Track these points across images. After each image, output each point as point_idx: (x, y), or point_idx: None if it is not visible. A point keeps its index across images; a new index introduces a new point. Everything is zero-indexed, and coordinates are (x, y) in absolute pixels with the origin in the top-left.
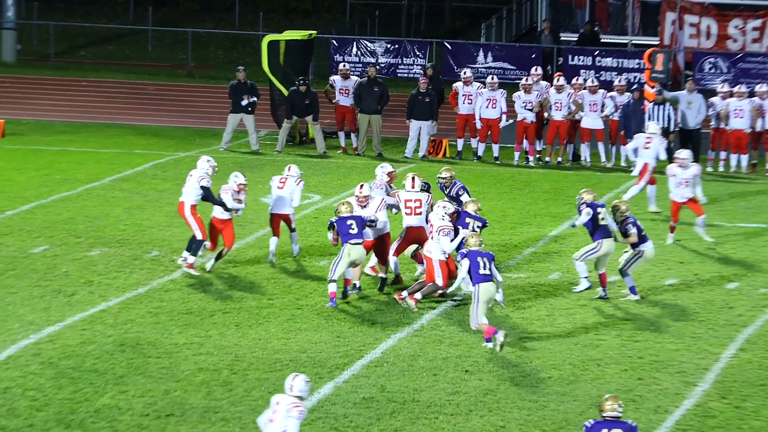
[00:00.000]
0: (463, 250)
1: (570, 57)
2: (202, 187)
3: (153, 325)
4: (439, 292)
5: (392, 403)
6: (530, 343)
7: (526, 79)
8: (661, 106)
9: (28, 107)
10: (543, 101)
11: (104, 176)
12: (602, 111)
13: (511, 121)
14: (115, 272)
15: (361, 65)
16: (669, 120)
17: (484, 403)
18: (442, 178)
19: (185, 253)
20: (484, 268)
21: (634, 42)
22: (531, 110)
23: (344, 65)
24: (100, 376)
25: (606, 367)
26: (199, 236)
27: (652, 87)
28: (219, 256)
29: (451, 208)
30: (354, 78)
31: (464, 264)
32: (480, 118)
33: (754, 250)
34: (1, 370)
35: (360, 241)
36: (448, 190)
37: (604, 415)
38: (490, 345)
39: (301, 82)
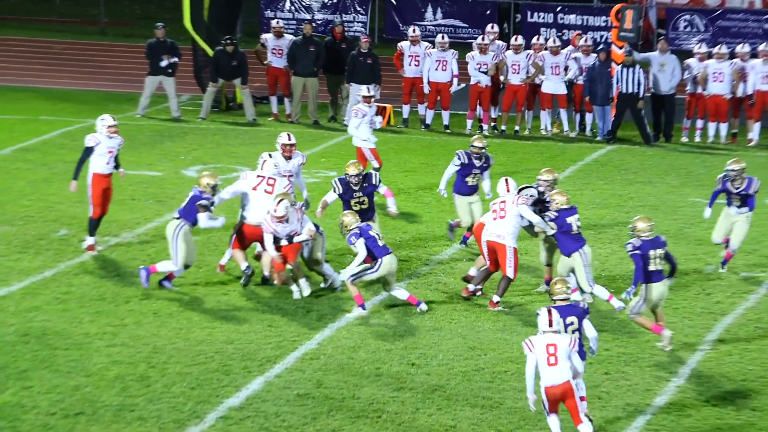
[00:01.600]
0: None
1: (529, 14)
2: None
3: (61, 313)
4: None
5: (330, 401)
6: (483, 334)
7: (482, 39)
8: (630, 69)
9: None
10: (499, 63)
11: (5, 146)
12: (565, 74)
13: (463, 85)
14: (18, 253)
15: (295, 22)
16: (639, 85)
17: (433, 401)
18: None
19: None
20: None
21: None
22: (486, 73)
23: (277, 22)
24: (1, 370)
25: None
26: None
27: (620, 47)
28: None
29: None
30: (288, 37)
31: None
32: (428, 82)
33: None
34: None
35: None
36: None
37: (555, 298)
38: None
39: (228, 41)
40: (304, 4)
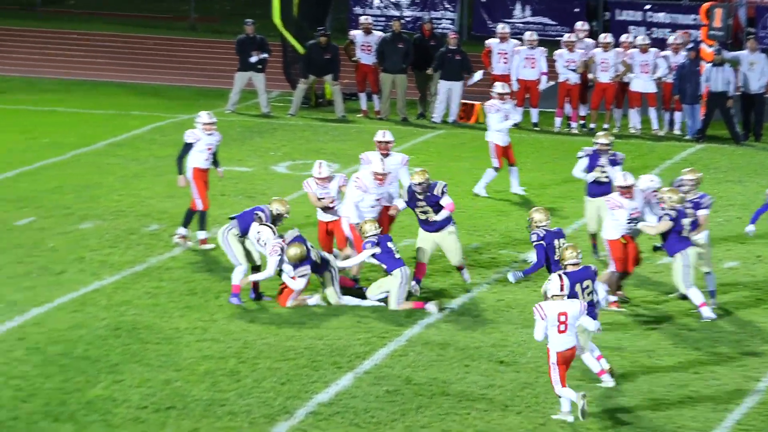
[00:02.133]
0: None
1: (618, 11)
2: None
3: (151, 308)
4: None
5: (419, 397)
6: None
7: (569, 36)
8: (719, 68)
9: (12, 62)
10: (588, 61)
11: (97, 140)
12: (654, 72)
13: (551, 82)
14: (109, 248)
15: (384, 19)
16: (728, 83)
17: (522, 398)
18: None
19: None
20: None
21: None
22: (574, 71)
23: (366, 19)
24: (93, 363)
25: (658, 359)
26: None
27: (710, 46)
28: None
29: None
30: (377, 33)
31: None
32: (517, 80)
33: None
34: None
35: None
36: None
37: (566, 263)
38: None
39: (321, 33)
40: (392, 1)
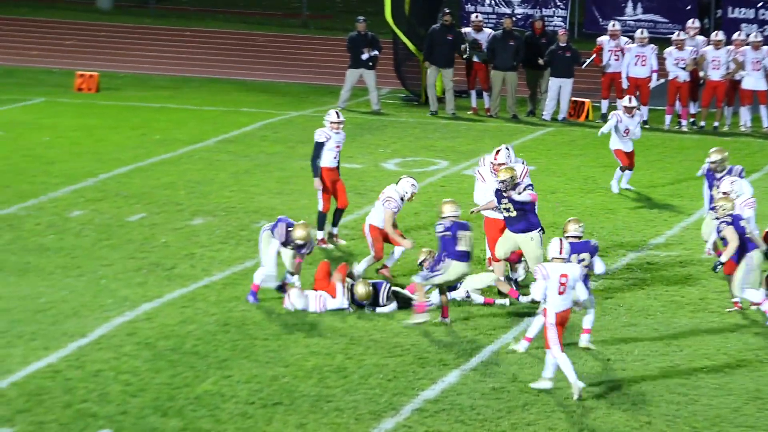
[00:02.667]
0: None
1: (730, 9)
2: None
3: (260, 304)
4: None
5: (525, 394)
6: (680, 330)
7: (678, 34)
8: None
9: (125, 59)
10: (698, 59)
11: (208, 137)
12: (766, 71)
13: (662, 80)
14: (220, 244)
15: (495, 16)
16: None
17: (628, 396)
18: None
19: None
20: None
21: None
22: (684, 68)
23: (476, 16)
24: (202, 359)
25: (765, 357)
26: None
27: None
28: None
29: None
30: (487, 31)
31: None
32: (627, 77)
33: None
34: (92, 350)
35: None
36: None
37: (567, 235)
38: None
39: (445, 12)
40: None
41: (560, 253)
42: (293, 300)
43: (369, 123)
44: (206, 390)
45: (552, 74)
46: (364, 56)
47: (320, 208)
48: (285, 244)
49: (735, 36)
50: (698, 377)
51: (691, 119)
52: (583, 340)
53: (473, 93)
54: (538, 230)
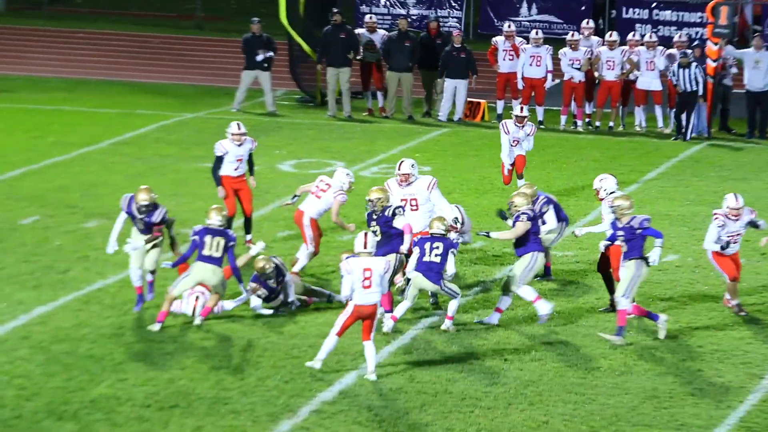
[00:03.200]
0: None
1: (624, 9)
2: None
3: (156, 307)
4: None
5: (422, 395)
6: (577, 329)
7: (573, 34)
8: (687, 69)
9: (18, 61)
10: (593, 59)
11: (102, 139)
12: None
13: (557, 81)
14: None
15: (390, 17)
16: (697, 83)
17: (525, 396)
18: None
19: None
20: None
21: None
22: (579, 69)
23: (370, 17)
24: (97, 362)
25: (662, 357)
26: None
27: (716, 44)
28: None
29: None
30: (381, 32)
31: None
32: (522, 78)
33: None
34: None
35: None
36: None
37: (432, 232)
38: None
39: (335, 12)
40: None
41: (364, 247)
42: (182, 307)
43: (264, 124)
44: (102, 393)
45: (447, 75)
46: (259, 57)
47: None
48: (132, 217)
49: (629, 36)
50: (595, 377)
51: (587, 119)
52: (446, 324)
53: (369, 94)
54: (396, 254)
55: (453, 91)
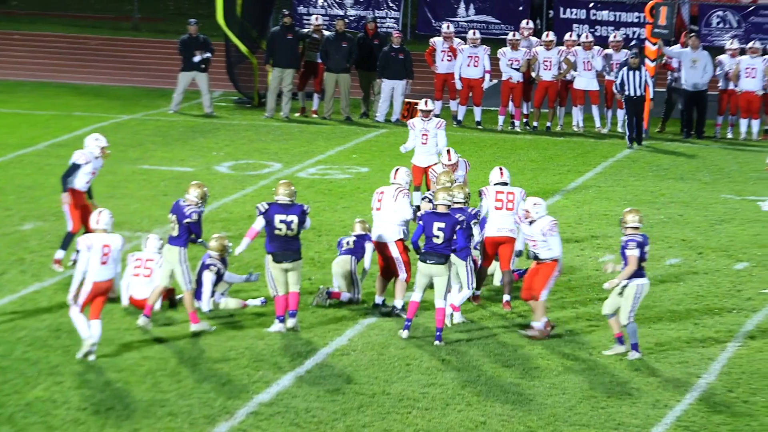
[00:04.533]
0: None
1: (561, 10)
2: None
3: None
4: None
5: (360, 396)
6: (514, 331)
7: (514, 34)
8: (636, 72)
9: None
10: (531, 59)
11: (39, 141)
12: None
13: (495, 81)
14: (50, 249)
15: (327, 18)
16: (644, 87)
17: (463, 397)
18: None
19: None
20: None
21: None
22: (517, 69)
23: (317, 18)
24: (33, 365)
25: (599, 356)
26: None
27: (654, 44)
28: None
29: None
30: (327, 33)
31: None
32: (460, 78)
33: (766, 227)
34: None
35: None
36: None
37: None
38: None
39: (285, 14)
40: (336, 0)
41: (97, 224)
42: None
43: (201, 126)
44: (37, 396)
45: (385, 76)
46: (196, 59)
47: (69, 228)
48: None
49: (566, 36)
50: (533, 377)
51: (524, 120)
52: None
53: (303, 94)
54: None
55: (390, 91)
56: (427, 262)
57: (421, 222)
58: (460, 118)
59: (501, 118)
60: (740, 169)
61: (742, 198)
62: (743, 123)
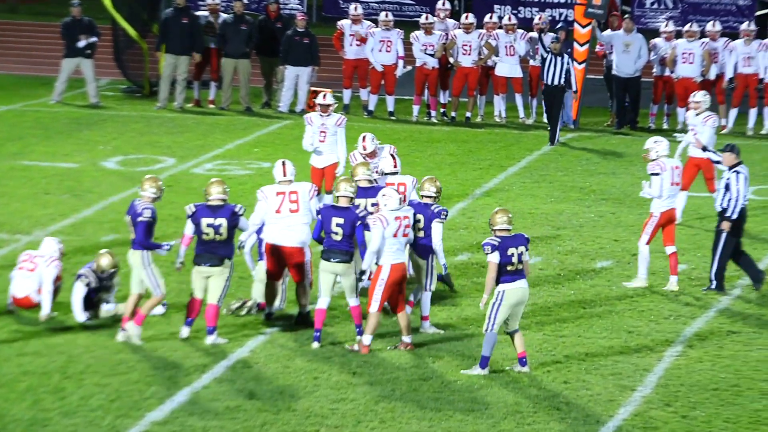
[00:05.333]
0: None
1: None
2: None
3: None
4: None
5: (263, 413)
6: (430, 341)
7: (427, 17)
8: (558, 58)
9: None
10: (448, 44)
11: None
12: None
13: (409, 67)
14: None
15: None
16: (568, 75)
17: (376, 413)
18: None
19: None
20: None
21: None
22: (432, 55)
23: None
24: None
25: (522, 369)
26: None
27: (584, 26)
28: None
29: None
30: (224, 15)
31: None
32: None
33: (705, 225)
34: None
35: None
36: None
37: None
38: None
39: None
40: None
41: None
42: None
43: (87, 117)
44: None
45: (289, 62)
46: (81, 44)
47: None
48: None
49: (487, 18)
50: (452, 391)
51: (442, 109)
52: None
53: (198, 84)
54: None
55: (295, 79)
56: (331, 260)
57: (320, 216)
58: (371, 108)
59: (416, 108)
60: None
61: None
62: (680, 112)
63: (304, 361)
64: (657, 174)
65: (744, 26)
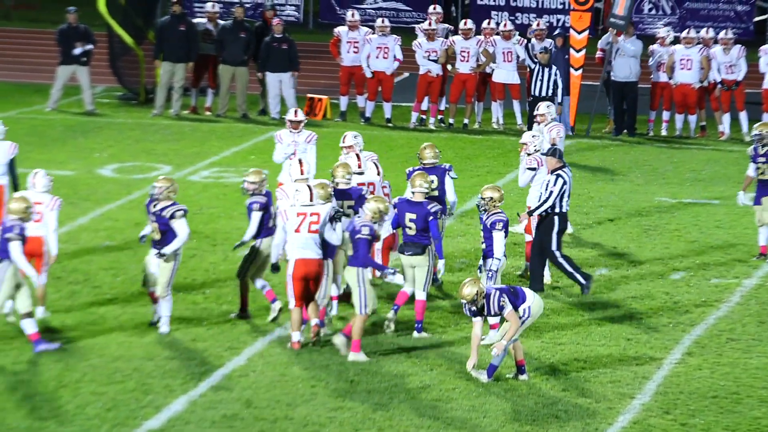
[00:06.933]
0: None
1: None
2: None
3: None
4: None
5: (260, 422)
6: (429, 349)
7: (429, 23)
8: (546, 69)
9: None
10: (448, 50)
11: None
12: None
13: (406, 74)
14: None
15: (222, 5)
16: (555, 87)
17: (374, 421)
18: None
19: None
20: None
21: None
22: (435, 61)
23: (213, 6)
24: None
25: (522, 376)
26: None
27: (580, 32)
28: None
29: None
30: (222, 23)
31: None
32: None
33: (704, 232)
34: None
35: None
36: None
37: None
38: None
39: (173, 2)
40: None
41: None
42: None
43: (82, 125)
44: None
45: (268, 69)
46: (77, 51)
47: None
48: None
49: (484, 24)
50: (450, 398)
51: (439, 116)
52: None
53: (195, 91)
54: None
55: (278, 85)
56: (405, 253)
57: (396, 210)
58: (368, 114)
59: (414, 115)
60: (675, 169)
61: (678, 201)
62: (679, 119)
63: (301, 369)
64: (534, 169)
65: (722, 35)
